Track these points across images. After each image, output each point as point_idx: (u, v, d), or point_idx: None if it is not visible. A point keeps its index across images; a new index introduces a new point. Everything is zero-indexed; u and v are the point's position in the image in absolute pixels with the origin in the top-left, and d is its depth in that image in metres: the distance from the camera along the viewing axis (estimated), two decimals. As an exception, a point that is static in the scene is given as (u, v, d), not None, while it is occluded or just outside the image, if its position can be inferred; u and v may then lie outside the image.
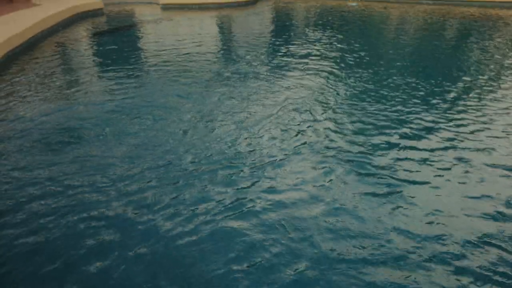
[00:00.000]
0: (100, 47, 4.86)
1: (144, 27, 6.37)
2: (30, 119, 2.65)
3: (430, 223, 1.63)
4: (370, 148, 2.26)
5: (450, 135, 2.42)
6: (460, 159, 2.14)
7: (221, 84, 3.38)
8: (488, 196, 1.84)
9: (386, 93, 3.15)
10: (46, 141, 2.36)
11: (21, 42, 4.34)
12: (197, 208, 1.73)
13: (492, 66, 3.96)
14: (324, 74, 3.68)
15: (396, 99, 3.02)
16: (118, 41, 5.21)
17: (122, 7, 8.10)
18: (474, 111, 2.80)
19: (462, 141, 2.35)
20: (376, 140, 2.36)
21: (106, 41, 5.18)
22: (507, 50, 4.61)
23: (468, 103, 2.97)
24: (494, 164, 2.11)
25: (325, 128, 2.52)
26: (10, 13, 5.62)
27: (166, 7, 7.65)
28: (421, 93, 3.18)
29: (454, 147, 2.27)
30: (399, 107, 2.87)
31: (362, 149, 2.25)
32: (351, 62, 4.10)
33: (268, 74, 3.69)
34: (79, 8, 6.49)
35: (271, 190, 1.85)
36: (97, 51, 4.67)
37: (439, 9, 7.62)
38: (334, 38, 5.39)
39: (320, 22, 6.81)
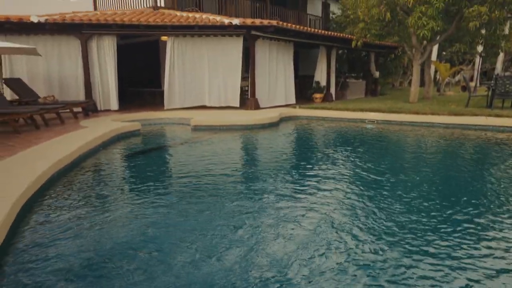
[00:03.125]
0: (134, 169, 5.28)
1: (175, 147, 6.95)
2: (59, 242, 2.76)
3: None
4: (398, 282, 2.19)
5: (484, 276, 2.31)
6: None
7: (249, 204, 3.51)
8: None
9: (409, 218, 3.17)
10: (84, 268, 2.41)
11: (69, 162, 4.78)
12: None
13: (517, 192, 3.98)
14: (347, 197, 3.78)
15: (422, 227, 3.02)
16: (150, 163, 5.65)
17: (157, 127, 8.96)
18: (504, 248, 2.72)
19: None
20: (405, 273, 2.30)
21: (140, 162, 5.63)
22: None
23: (496, 238, 2.92)
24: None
25: (347, 258, 2.50)
26: (63, 134, 6.33)
27: (196, 128, 8.38)
28: (447, 221, 3.17)
29: None
30: (424, 237, 2.84)
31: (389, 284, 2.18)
32: (372, 184, 4.24)
33: (294, 195, 3.83)
34: (120, 130, 7.21)
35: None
36: (131, 173, 5.06)
37: (453, 132, 8.04)
38: (354, 159, 5.68)
39: (340, 142, 7.27)
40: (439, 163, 5.59)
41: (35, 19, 8.81)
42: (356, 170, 5.01)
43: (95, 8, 14.03)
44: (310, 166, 5.26)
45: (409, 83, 21.55)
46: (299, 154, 6.34)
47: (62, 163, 4.57)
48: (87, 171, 4.84)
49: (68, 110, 8.59)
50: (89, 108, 9.68)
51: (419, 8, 10.44)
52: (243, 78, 11.56)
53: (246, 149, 6.95)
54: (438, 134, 7.85)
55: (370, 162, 5.48)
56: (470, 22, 10.17)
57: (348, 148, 6.67)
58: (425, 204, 3.57)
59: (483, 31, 11.94)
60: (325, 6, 19.50)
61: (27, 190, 3.39)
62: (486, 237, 2.87)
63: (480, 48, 14.55)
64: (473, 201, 3.69)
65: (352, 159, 5.71)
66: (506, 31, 12.54)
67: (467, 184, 4.37)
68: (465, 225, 3.06)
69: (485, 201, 3.72)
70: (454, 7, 11.02)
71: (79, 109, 9.44)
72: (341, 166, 5.26)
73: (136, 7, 12.50)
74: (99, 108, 10.28)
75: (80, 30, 9.67)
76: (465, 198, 3.76)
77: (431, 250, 2.60)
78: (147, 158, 5.92)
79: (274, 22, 10.11)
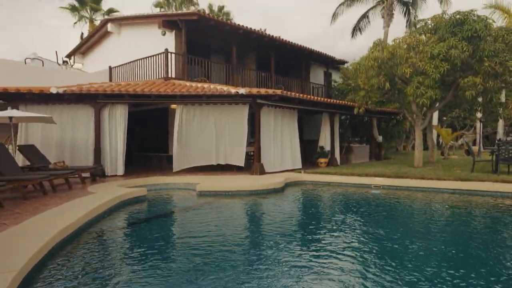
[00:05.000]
0: (138, 238, 5.21)
1: (181, 214, 6.93)
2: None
3: None
4: None
5: None
6: None
7: (257, 275, 3.41)
8: None
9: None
10: None
11: (73, 230, 4.76)
12: None
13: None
14: (357, 265, 3.67)
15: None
16: (155, 231, 5.59)
17: (163, 192, 8.99)
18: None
19: None
20: None
21: (144, 230, 5.58)
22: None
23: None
24: None
25: None
26: (70, 200, 6.38)
27: (202, 194, 8.40)
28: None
29: None
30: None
31: None
32: (380, 252, 4.12)
33: (300, 262, 3.72)
34: (126, 195, 7.26)
35: None
36: (135, 242, 5.00)
37: (461, 198, 7.95)
38: (361, 225, 5.59)
39: (346, 210, 7.18)
40: (452, 234, 5.45)
41: (54, 91, 9.40)
42: (364, 240, 4.90)
43: (111, 79, 14.97)
44: (316, 236, 5.17)
45: (413, 147, 21.78)
46: (304, 223, 6.25)
47: (66, 232, 4.56)
48: (91, 241, 4.79)
49: (76, 175, 8.74)
50: (97, 173, 9.84)
51: (416, 78, 11.00)
52: (249, 144, 11.85)
53: (251, 217, 6.88)
54: (445, 200, 7.76)
55: (379, 231, 5.37)
56: (466, 91, 10.62)
57: (355, 216, 6.58)
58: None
59: (480, 99, 12.39)
60: (327, 75, 20.62)
61: (28, 262, 3.35)
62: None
63: (479, 115, 14.98)
64: (491, 277, 3.54)
65: (360, 229, 5.61)
66: (503, 99, 13.00)
67: (484, 258, 4.22)
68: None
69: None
70: (449, 78, 11.58)
71: (87, 174, 9.59)
72: (350, 236, 5.15)
73: (148, 78, 13.33)
74: (106, 173, 10.44)
75: (95, 99, 10.23)
76: (480, 272, 3.62)
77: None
78: (152, 226, 5.87)
79: (278, 91, 10.65)
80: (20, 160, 9.38)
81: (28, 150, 8.85)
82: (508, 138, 17.54)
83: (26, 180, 6.83)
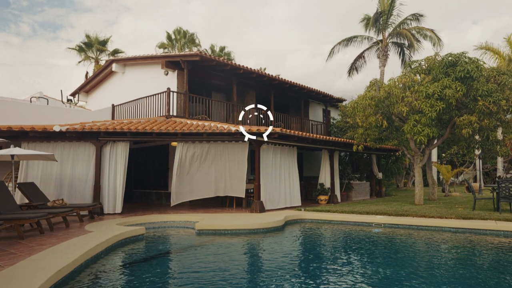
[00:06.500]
0: (134, 278, 5.09)
1: (179, 254, 6.79)
2: None
3: None
4: None
5: None
6: None
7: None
8: None
9: None
10: None
11: (68, 272, 4.66)
12: None
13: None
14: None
15: None
16: (151, 272, 5.46)
17: (161, 231, 8.87)
18: None
19: None
20: None
21: (139, 272, 5.45)
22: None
23: None
24: None
25: None
26: (67, 239, 6.30)
27: (200, 232, 8.28)
28: None
29: None
30: None
31: None
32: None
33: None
34: (124, 234, 7.16)
35: None
36: (131, 283, 4.87)
37: (464, 238, 7.82)
38: (364, 266, 5.46)
39: (348, 247, 7.06)
40: (460, 278, 5.33)
41: (57, 129, 9.56)
42: (369, 282, 4.78)
43: (113, 117, 15.24)
44: (320, 277, 5.04)
45: (413, 183, 21.70)
46: (307, 263, 6.12)
47: (61, 274, 4.46)
48: (87, 282, 4.67)
49: (74, 213, 8.66)
50: (95, 211, 9.76)
51: (413, 116, 11.21)
52: (249, 181, 11.84)
53: (252, 256, 6.74)
54: (448, 240, 7.63)
55: (384, 272, 5.25)
56: (463, 129, 10.78)
57: (357, 256, 6.46)
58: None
59: (477, 137, 12.53)
60: (326, 113, 20.99)
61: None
62: None
63: (477, 152, 15.08)
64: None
65: (363, 270, 5.48)
66: (500, 137, 13.15)
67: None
68: None
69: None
70: (446, 116, 11.80)
71: (85, 212, 9.50)
72: (353, 277, 5.03)
73: (150, 116, 13.58)
74: (105, 211, 10.34)
75: (97, 137, 10.36)
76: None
77: None
78: (150, 266, 5.74)
79: (278, 129, 10.80)
80: (18, 197, 9.34)
81: (27, 188, 8.84)
82: (508, 175, 17.52)
83: (23, 219, 6.77)
